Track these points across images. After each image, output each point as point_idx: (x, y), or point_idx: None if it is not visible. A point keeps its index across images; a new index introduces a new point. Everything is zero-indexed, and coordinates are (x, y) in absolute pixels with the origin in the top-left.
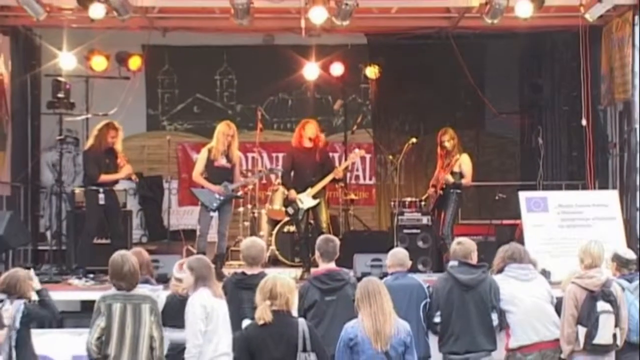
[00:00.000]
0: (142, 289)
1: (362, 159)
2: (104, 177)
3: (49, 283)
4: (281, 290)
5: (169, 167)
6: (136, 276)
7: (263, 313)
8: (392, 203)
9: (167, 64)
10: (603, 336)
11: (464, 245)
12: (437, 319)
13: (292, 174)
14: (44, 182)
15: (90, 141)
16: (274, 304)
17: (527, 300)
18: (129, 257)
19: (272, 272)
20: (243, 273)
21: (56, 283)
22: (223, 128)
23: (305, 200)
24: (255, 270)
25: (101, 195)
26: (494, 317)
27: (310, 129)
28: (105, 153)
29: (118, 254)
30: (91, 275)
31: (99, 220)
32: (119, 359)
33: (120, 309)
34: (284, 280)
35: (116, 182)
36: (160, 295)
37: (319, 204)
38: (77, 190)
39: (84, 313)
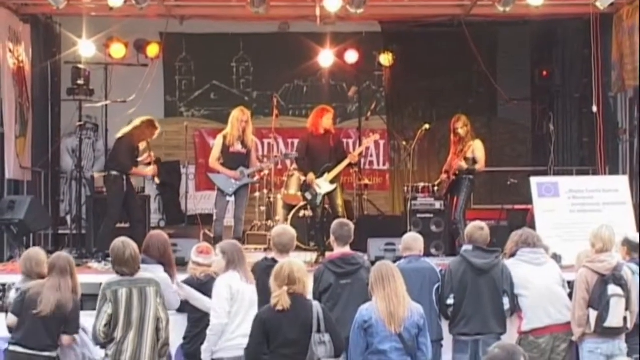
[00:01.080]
0: (145, 272)
1: (376, 144)
2: (135, 170)
3: None
4: (298, 275)
5: (187, 152)
6: (138, 261)
7: (282, 300)
8: (406, 188)
9: (184, 52)
10: (614, 319)
11: (485, 231)
12: (450, 301)
13: (306, 160)
14: (64, 167)
15: (128, 129)
16: (291, 289)
17: (539, 284)
18: (129, 242)
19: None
20: (273, 259)
21: (76, 266)
22: (237, 114)
23: (323, 185)
24: (286, 258)
25: (124, 182)
26: (506, 301)
27: (328, 119)
28: (137, 146)
29: (119, 240)
30: (110, 259)
31: (122, 205)
32: (124, 341)
33: (126, 294)
34: (299, 264)
35: None
36: (158, 274)
37: (335, 189)
38: (97, 176)
39: None
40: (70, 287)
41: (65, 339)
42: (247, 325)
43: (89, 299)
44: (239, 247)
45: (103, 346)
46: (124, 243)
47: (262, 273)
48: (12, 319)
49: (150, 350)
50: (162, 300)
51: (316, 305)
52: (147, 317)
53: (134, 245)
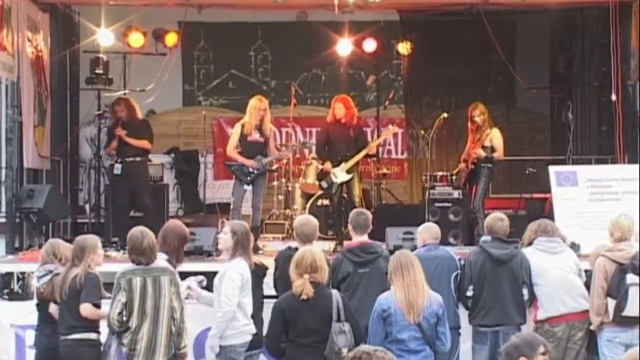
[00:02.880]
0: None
1: (394, 133)
2: (110, 148)
3: None
4: (320, 263)
5: (205, 141)
6: (155, 250)
7: (305, 288)
8: (424, 177)
9: (202, 41)
10: (632, 308)
11: (505, 223)
12: (469, 293)
13: (325, 148)
14: (83, 156)
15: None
16: (313, 277)
17: (555, 273)
18: (147, 232)
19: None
20: (297, 249)
21: None
22: (255, 102)
23: (339, 174)
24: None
25: (117, 166)
26: (525, 292)
27: (338, 109)
28: (116, 125)
29: (137, 229)
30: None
31: (124, 191)
32: (139, 330)
33: (140, 282)
34: (319, 253)
35: (139, 152)
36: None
37: (352, 178)
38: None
39: None
40: (78, 265)
41: (81, 308)
42: (251, 308)
43: (108, 287)
44: (248, 229)
45: (119, 335)
46: (142, 232)
47: (285, 262)
48: (53, 307)
49: (166, 338)
50: (176, 289)
51: (335, 294)
52: (161, 306)
53: (151, 234)
